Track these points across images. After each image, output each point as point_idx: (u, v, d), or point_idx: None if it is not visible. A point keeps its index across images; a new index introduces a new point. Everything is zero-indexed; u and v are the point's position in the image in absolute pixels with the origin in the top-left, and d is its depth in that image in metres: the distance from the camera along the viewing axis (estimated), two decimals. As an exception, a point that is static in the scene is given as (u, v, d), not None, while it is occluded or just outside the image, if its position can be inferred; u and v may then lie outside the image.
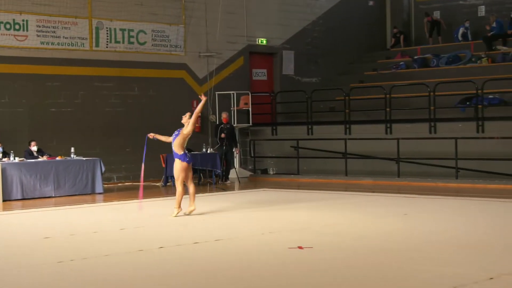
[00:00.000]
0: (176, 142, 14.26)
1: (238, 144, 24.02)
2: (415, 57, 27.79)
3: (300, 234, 11.98)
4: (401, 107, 23.45)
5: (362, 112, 24.24)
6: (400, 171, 21.53)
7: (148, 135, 14.86)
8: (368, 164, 22.86)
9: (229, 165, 23.02)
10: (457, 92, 23.06)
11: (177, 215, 14.26)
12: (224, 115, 23.04)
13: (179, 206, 14.33)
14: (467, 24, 28.30)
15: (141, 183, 15.75)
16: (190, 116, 14.40)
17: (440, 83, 22.58)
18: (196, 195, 14.86)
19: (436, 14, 29.89)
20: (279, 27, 27.40)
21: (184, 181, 14.42)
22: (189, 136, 14.34)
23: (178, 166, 14.33)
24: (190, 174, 14.56)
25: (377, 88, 24.06)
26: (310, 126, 24.34)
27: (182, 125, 14.43)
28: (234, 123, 24.42)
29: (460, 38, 28.33)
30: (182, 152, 14.29)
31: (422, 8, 30.90)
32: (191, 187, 14.54)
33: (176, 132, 14.40)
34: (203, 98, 14.82)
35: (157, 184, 21.85)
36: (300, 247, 10.45)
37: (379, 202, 16.64)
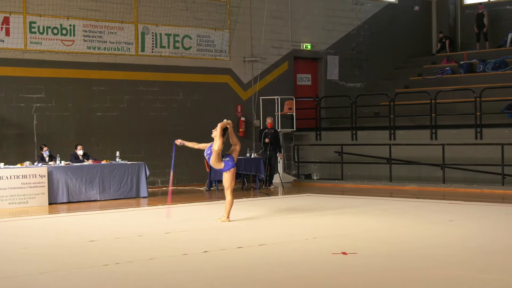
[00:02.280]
0: (212, 161, 14.01)
1: (282, 149, 24.01)
2: (461, 62, 27.57)
3: (344, 239, 11.95)
4: (446, 113, 23.29)
5: (407, 117, 24.13)
6: (445, 177, 21.37)
7: (176, 141, 14.64)
8: (413, 170, 22.72)
9: (272, 170, 23.01)
10: (503, 98, 22.85)
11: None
12: (269, 120, 23.05)
13: (228, 217, 14.25)
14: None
15: (170, 188, 15.72)
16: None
17: (486, 89, 22.39)
18: (240, 200, 14.86)
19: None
20: (323, 32, 27.37)
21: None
22: (221, 150, 14.00)
23: (226, 176, 14.20)
24: (233, 183, 14.36)
25: (422, 94, 23.92)
26: (354, 131, 24.26)
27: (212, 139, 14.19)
28: (278, 128, 24.43)
29: (508, 44, 28.04)
30: (223, 166, 14.13)
31: (468, 13, 30.67)
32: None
33: (208, 152, 14.11)
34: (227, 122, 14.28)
35: (201, 188, 21.94)
36: (344, 253, 10.42)
37: (424, 208, 16.52)
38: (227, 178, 14.09)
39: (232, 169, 14.06)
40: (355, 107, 24.61)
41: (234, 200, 14.44)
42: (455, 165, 21.67)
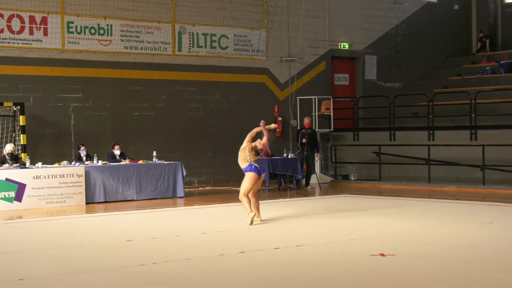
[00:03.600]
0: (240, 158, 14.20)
1: (320, 149, 23.97)
2: (502, 62, 27.33)
3: (382, 241, 11.90)
4: (486, 113, 23.11)
5: (446, 117, 23.97)
6: (485, 179, 21.20)
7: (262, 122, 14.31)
8: (452, 171, 22.57)
9: (309, 170, 22.97)
10: (545, 98, 22.66)
11: (253, 220, 14.02)
12: (306, 120, 22.99)
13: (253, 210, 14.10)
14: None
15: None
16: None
17: (528, 89, 22.21)
18: (276, 200, 14.86)
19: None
20: (361, 31, 27.28)
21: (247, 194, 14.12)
22: (245, 149, 14.04)
23: (245, 176, 14.13)
24: (256, 187, 14.22)
25: (462, 94, 23.75)
26: (392, 132, 24.16)
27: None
28: (315, 128, 24.40)
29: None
30: (246, 166, 14.09)
31: (509, 12, 30.40)
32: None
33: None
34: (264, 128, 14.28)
35: (238, 189, 21.89)
36: (382, 254, 10.39)
37: (463, 210, 16.41)
38: (244, 179, 14.11)
39: (250, 173, 14.03)
40: (393, 107, 24.50)
41: (272, 201, 14.46)
42: (495, 166, 21.48)
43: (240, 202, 14.22)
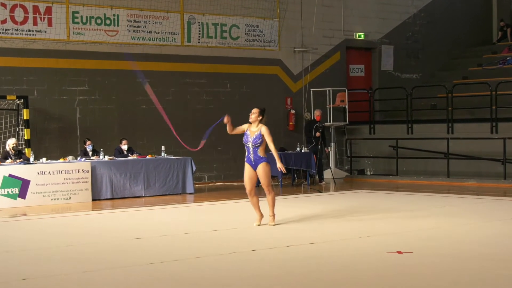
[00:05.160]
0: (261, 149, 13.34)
1: (331, 144, 24.01)
2: (524, 51, 27.29)
3: (399, 238, 11.88)
4: (508, 105, 23.02)
5: (466, 110, 23.92)
6: (507, 173, 21.13)
7: (226, 117, 13.91)
8: (472, 165, 22.51)
9: (321, 164, 22.88)
10: None
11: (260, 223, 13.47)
12: (317, 113, 22.93)
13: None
14: None
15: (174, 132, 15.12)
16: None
17: (551, 80, 22.11)
18: (290, 196, 14.80)
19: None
20: (377, 20, 27.21)
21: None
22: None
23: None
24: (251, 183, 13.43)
25: (482, 85, 23.68)
26: (410, 125, 24.11)
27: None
28: (330, 121, 24.35)
29: None
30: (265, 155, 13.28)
31: (532, 0, 30.31)
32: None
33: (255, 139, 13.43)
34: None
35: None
36: (399, 252, 10.36)
37: (484, 206, 16.36)
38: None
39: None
40: (411, 99, 24.45)
41: (285, 197, 14.42)
42: (517, 160, 21.44)
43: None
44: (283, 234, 12.48)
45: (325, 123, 23.77)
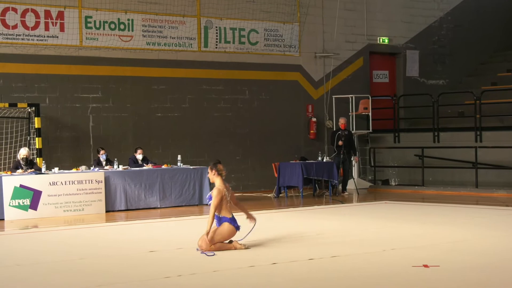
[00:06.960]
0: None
1: (357, 152, 23.91)
2: (555, 56, 27.19)
3: (425, 251, 11.85)
4: (539, 112, 22.98)
5: (495, 117, 23.84)
6: (538, 183, 21.08)
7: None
8: (502, 175, 22.43)
9: (346, 175, 22.87)
10: None
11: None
12: (342, 121, 22.92)
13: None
14: None
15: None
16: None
17: None
18: (311, 207, 14.72)
19: None
20: (402, 24, 27.19)
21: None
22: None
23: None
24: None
25: (512, 91, 23.64)
26: (436, 133, 24.06)
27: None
28: (352, 129, 24.35)
29: None
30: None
31: None
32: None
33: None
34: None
35: (269, 195, 21.96)
36: (425, 266, 10.34)
37: (514, 218, 16.32)
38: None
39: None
40: (437, 106, 24.41)
41: (306, 208, 14.34)
42: (549, 169, 21.37)
43: (270, 209, 13.91)
44: (304, 247, 12.47)
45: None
